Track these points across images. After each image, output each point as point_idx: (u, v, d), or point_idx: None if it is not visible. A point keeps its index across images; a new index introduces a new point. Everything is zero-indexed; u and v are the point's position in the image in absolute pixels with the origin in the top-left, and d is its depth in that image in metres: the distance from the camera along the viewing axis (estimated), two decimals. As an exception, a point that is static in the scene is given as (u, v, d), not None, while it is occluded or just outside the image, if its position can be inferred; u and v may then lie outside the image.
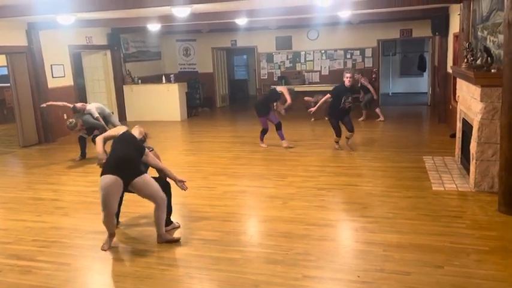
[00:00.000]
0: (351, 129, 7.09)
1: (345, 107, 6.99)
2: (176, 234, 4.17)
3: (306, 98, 10.27)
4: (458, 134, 6.11)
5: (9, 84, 10.24)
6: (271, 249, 3.78)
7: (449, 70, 8.38)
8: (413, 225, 4.14)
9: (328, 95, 7.12)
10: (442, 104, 9.23)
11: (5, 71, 12.56)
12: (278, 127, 7.50)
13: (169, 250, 3.90)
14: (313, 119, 10.10)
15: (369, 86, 9.67)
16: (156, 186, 3.90)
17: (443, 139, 7.72)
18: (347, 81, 6.92)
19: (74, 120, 6.94)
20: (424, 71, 13.96)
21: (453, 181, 5.36)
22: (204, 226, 4.35)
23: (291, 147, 7.48)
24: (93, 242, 4.07)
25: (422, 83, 14.18)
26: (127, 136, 4.03)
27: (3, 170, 7.11)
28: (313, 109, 7.40)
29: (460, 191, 5.04)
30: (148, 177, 3.93)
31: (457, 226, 4.09)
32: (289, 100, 7.42)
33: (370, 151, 7.14)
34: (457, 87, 6.15)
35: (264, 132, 7.65)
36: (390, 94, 14.60)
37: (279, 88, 7.75)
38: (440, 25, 8.95)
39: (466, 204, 4.66)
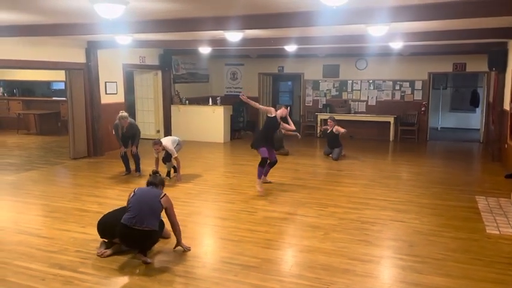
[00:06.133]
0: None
1: None
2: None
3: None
4: (516, 175, 5.75)
5: (65, 98, 10.84)
6: (311, 282, 3.64)
7: (507, 107, 8.01)
8: (464, 270, 3.88)
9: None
10: (496, 142, 8.79)
11: (61, 86, 13.36)
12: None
13: (209, 272, 3.85)
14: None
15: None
16: None
17: (498, 179, 7.29)
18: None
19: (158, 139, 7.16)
20: (477, 106, 13.43)
21: (509, 225, 5.02)
22: (243, 251, 4.28)
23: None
24: (133, 258, 4.09)
25: (474, 119, 13.63)
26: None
27: (53, 180, 7.40)
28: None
29: (517, 236, 4.71)
30: None
31: (514, 275, 3.80)
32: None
33: (417, 186, 6.86)
34: (516, 125, 5.83)
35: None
36: (439, 129, 14.13)
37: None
38: (498, 60, 8.61)
39: (524, 252, 4.34)
